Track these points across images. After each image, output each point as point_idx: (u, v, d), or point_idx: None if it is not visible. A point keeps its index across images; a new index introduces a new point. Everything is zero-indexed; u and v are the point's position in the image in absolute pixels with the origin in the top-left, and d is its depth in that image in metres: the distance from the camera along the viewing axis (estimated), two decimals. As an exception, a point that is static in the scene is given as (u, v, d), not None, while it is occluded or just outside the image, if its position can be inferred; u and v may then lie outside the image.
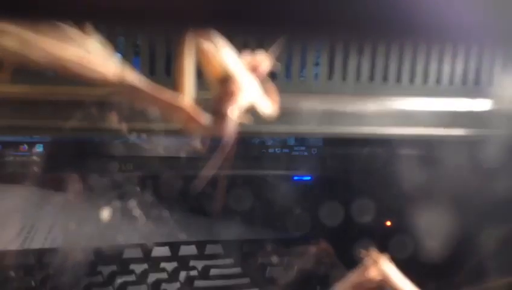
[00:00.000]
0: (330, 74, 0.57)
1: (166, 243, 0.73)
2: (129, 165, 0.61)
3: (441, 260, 0.68)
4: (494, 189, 0.62)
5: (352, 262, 0.60)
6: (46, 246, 0.66)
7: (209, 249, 0.76)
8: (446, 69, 0.58)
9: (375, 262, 0.51)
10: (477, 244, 0.68)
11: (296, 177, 0.70)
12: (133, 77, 0.41)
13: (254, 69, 0.42)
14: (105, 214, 0.60)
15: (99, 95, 0.52)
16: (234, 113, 0.41)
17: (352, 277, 0.51)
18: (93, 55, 0.39)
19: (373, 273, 0.50)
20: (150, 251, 0.73)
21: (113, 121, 0.54)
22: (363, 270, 0.51)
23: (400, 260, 0.53)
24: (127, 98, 0.41)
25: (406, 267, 0.53)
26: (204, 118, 0.41)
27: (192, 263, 0.76)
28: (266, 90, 0.42)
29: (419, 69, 0.58)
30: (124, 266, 0.72)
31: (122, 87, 0.41)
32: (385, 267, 0.50)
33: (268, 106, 0.41)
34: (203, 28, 0.38)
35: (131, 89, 0.41)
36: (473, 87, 0.59)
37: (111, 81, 0.40)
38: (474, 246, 0.69)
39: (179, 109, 0.41)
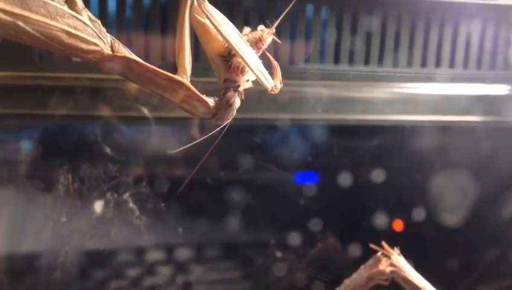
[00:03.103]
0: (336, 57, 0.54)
1: (162, 246, 0.70)
2: (122, 158, 0.58)
3: (454, 257, 0.66)
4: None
5: (360, 257, 0.58)
6: (36, 249, 0.63)
7: (208, 252, 0.74)
8: (460, 52, 0.55)
9: (387, 255, 0.50)
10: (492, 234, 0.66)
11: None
12: (127, 52, 0.39)
13: (256, 44, 0.40)
14: (98, 209, 0.58)
15: (91, 79, 0.50)
16: (241, 88, 0.39)
17: (364, 270, 0.50)
18: (84, 28, 0.37)
19: (384, 265, 0.49)
20: (145, 254, 0.70)
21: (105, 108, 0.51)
22: (374, 263, 0.50)
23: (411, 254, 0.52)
24: (123, 74, 0.38)
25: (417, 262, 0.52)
26: (204, 97, 0.39)
27: (190, 266, 0.73)
28: (269, 66, 0.39)
29: (431, 51, 0.54)
30: (117, 270, 0.69)
31: (116, 62, 0.38)
32: (396, 259, 0.50)
33: (271, 81, 0.39)
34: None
35: (127, 65, 0.38)
36: (488, 72, 0.56)
37: (103, 54, 0.37)
38: (487, 244, 0.67)
39: (178, 84, 0.38)
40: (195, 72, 0.40)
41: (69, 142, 0.59)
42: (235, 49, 0.38)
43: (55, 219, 0.57)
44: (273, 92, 0.39)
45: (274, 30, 0.40)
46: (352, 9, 0.52)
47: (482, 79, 0.56)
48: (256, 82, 0.39)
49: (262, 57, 0.39)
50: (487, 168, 0.62)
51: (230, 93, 0.39)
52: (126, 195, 0.58)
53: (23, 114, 0.50)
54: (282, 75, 0.40)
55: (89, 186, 0.57)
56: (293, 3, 0.40)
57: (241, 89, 0.39)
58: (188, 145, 0.40)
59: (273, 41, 0.41)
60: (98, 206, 0.58)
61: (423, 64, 0.55)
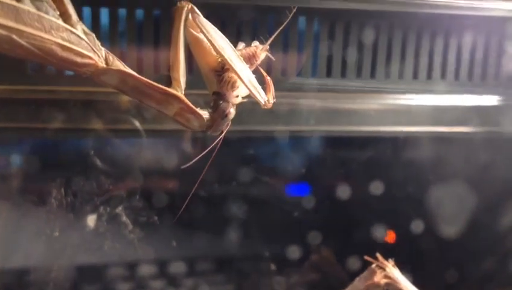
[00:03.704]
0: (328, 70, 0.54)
1: (154, 260, 0.70)
2: (115, 172, 0.57)
3: (448, 268, 0.66)
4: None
5: (354, 270, 0.58)
6: (28, 263, 0.62)
7: (202, 265, 0.73)
8: (451, 62, 0.55)
9: (381, 267, 0.50)
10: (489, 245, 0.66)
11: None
12: (122, 65, 0.39)
13: (250, 59, 0.40)
14: (91, 223, 0.57)
15: (84, 92, 0.50)
16: (231, 103, 0.39)
17: (359, 282, 0.50)
18: (78, 42, 0.37)
19: (379, 277, 0.49)
20: (138, 268, 0.69)
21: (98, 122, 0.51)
22: (369, 275, 0.50)
23: (405, 266, 0.52)
24: (117, 88, 0.38)
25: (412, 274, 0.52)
26: (198, 110, 0.39)
27: (183, 280, 0.73)
28: (262, 81, 0.40)
29: (423, 63, 0.55)
30: (110, 284, 0.68)
31: (110, 75, 0.38)
32: (391, 271, 0.50)
33: (264, 96, 0.39)
34: None
35: (122, 78, 0.38)
36: (479, 82, 0.56)
37: (97, 68, 0.37)
38: (483, 256, 0.67)
39: (172, 97, 0.38)
40: (188, 84, 0.40)
41: (62, 155, 0.58)
42: (228, 64, 0.38)
43: (48, 233, 0.56)
44: (266, 107, 0.39)
45: (268, 47, 0.40)
46: (344, 22, 0.52)
47: (474, 90, 0.56)
48: (249, 95, 0.39)
49: (255, 72, 0.40)
50: (480, 178, 0.62)
51: (224, 104, 0.39)
52: (119, 209, 0.58)
53: (17, 128, 0.50)
54: (275, 87, 0.40)
55: (81, 200, 0.56)
56: (287, 21, 0.40)
57: (233, 111, 0.39)
58: (194, 160, 0.40)
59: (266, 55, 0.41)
60: (91, 220, 0.57)
61: (415, 76, 0.55)
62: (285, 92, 0.52)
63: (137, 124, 0.51)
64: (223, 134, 0.40)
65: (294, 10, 0.40)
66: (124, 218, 0.58)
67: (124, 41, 0.49)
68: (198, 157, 0.40)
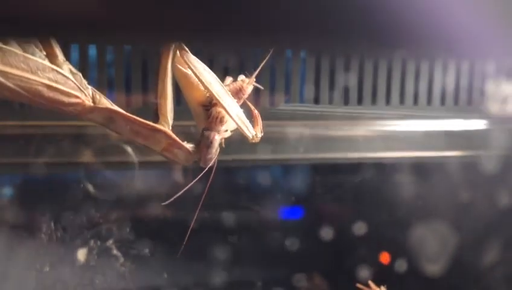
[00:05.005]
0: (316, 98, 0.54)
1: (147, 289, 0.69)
2: (105, 204, 0.57)
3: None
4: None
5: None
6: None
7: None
8: (437, 88, 0.56)
9: None
10: (477, 266, 0.66)
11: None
12: (109, 103, 0.39)
13: (237, 93, 0.40)
14: (81, 257, 0.57)
15: (72, 127, 0.50)
16: (219, 137, 0.39)
17: None
18: (65, 81, 0.37)
19: None
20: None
21: (87, 155, 0.51)
22: None
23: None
24: (105, 125, 0.38)
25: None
26: (185, 144, 0.39)
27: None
28: (250, 115, 0.40)
29: (409, 89, 0.55)
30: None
31: (97, 113, 0.38)
32: None
33: (252, 130, 0.39)
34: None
35: (109, 116, 0.38)
36: (465, 106, 0.57)
37: (85, 106, 0.37)
38: (474, 268, 0.67)
39: (159, 133, 0.38)
40: (176, 115, 0.40)
41: (52, 189, 0.58)
42: (216, 99, 0.38)
43: (38, 268, 0.56)
44: (254, 141, 0.40)
45: (254, 80, 0.40)
46: (330, 53, 0.53)
47: (460, 114, 0.57)
48: (237, 129, 0.39)
49: (244, 106, 0.40)
50: (468, 202, 0.63)
51: (207, 132, 0.39)
52: (110, 242, 0.57)
53: (5, 163, 0.50)
54: (262, 117, 0.40)
55: (71, 234, 0.56)
56: (269, 56, 0.41)
57: (218, 138, 0.39)
58: (178, 194, 0.40)
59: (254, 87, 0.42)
60: (82, 254, 0.57)
61: (401, 101, 0.56)
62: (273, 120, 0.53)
63: (127, 156, 0.51)
64: (214, 165, 0.40)
65: (271, 52, 0.41)
66: (115, 251, 0.57)
67: (111, 73, 0.50)
68: (180, 192, 0.40)
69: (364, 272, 0.61)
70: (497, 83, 0.56)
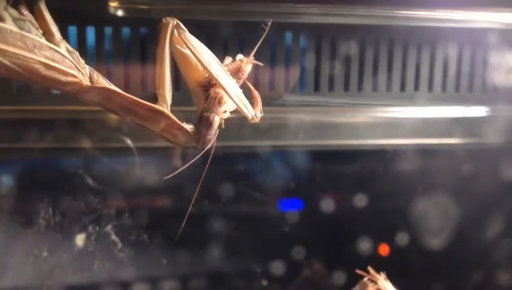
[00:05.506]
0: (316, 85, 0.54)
1: (144, 278, 0.69)
2: (104, 190, 0.57)
3: (441, 280, 0.66)
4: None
5: (346, 283, 0.58)
6: (17, 285, 0.61)
7: (193, 283, 0.72)
8: (438, 75, 0.55)
9: (373, 280, 0.49)
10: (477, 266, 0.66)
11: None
12: (106, 83, 0.38)
13: (236, 74, 0.40)
14: (80, 242, 0.57)
15: (70, 111, 0.49)
16: (218, 118, 0.39)
17: None
18: (62, 60, 0.36)
19: None
20: (127, 287, 0.68)
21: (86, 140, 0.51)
22: (361, 288, 0.49)
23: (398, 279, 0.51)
24: (102, 105, 0.38)
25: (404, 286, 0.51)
26: (184, 125, 0.39)
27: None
28: (249, 95, 0.40)
29: (410, 75, 0.55)
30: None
31: (95, 93, 0.37)
32: (383, 284, 0.49)
33: (251, 110, 0.39)
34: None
35: (106, 95, 0.38)
36: (466, 94, 0.56)
37: (82, 86, 0.37)
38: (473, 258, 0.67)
39: (158, 113, 0.38)
40: (175, 101, 0.40)
41: (50, 175, 0.58)
42: (215, 79, 0.38)
43: (36, 254, 0.56)
44: (253, 121, 0.39)
45: (252, 59, 0.40)
46: (331, 36, 0.53)
47: (461, 101, 0.56)
48: (237, 110, 0.39)
49: (243, 86, 0.39)
50: (469, 189, 0.63)
51: (208, 114, 0.39)
52: (108, 227, 0.57)
53: (3, 148, 0.50)
54: (262, 102, 0.40)
55: (70, 220, 0.56)
56: (266, 32, 0.40)
57: (217, 119, 0.38)
58: (178, 171, 0.39)
59: (255, 69, 0.41)
60: (80, 239, 0.57)
61: (402, 88, 0.55)
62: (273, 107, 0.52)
63: (126, 141, 0.51)
64: (212, 150, 0.40)
65: (270, 23, 0.40)
66: (113, 237, 0.57)
67: (110, 58, 0.49)
68: (182, 168, 0.39)
69: (364, 259, 0.61)
70: (500, 53, 0.55)
